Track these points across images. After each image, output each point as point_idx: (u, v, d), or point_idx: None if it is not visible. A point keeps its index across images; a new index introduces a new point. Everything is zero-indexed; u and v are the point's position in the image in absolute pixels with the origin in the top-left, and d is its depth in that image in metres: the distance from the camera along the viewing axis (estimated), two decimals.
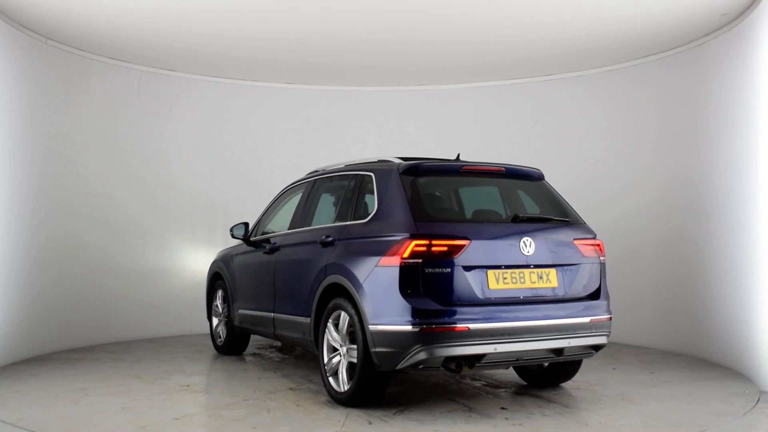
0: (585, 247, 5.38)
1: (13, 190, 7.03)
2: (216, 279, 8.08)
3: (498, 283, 4.94)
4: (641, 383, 6.15)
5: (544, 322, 5.01)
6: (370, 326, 4.90)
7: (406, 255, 4.78)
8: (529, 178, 5.78)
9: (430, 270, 4.78)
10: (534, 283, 5.08)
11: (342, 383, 5.26)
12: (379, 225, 5.17)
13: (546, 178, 5.89)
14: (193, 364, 7.11)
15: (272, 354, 7.84)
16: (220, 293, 7.93)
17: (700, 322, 7.42)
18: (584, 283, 5.31)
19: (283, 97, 9.84)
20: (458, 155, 5.98)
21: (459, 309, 4.79)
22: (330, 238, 5.62)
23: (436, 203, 5.50)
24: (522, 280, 5.04)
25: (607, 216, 8.54)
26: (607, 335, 5.35)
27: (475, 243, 4.91)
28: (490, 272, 4.93)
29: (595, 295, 5.35)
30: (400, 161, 5.47)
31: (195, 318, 9.11)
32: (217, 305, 7.99)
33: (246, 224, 7.32)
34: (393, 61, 8.82)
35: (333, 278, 5.38)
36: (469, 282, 4.84)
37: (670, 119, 8.08)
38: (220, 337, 7.89)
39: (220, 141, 9.63)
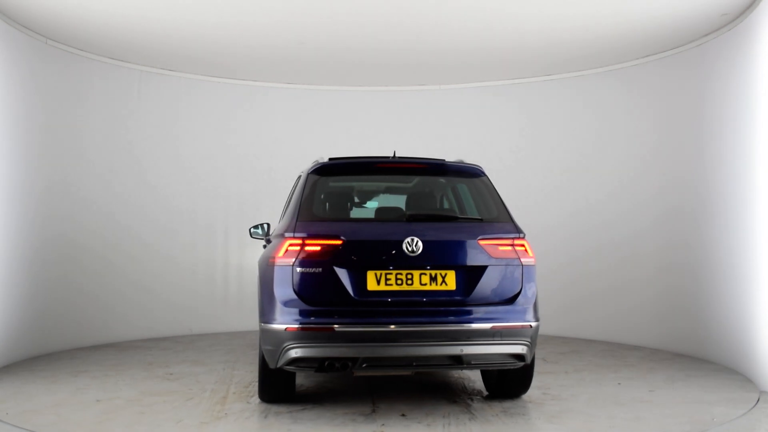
0: (495, 248, 4.94)
1: (13, 189, 7.13)
2: None
3: (379, 285, 4.77)
4: (611, 401, 5.46)
5: (429, 327, 4.72)
6: (260, 324, 5.03)
7: (281, 255, 4.83)
8: (463, 174, 5.45)
9: (302, 270, 4.77)
10: (425, 285, 4.80)
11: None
12: (280, 225, 5.28)
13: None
14: (218, 356, 7.62)
15: None
16: None
17: (705, 322, 7.27)
18: (494, 286, 4.89)
19: (284, 97, 9.92)
20: (394, 153, 5.81)
21: (328, 309, 4.72)
22: (270, 238, 5.81)
23: (330, 203, 5.43)
24: (410, 282, 4.79)
25: (606, 216, 8.82)
26: (527, 344, 4.86)
27: (351, 243, 4.80)
28: (370, 273, 4.77)
29: (511, 300, 4.91)
30: (324, 160, 5.48)
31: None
32: None
33: (267, 224, 7.67)
34: (393, 61, 8.71)
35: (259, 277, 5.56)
36: (343, 282, 4.73)
37: (670, 119, 8.03)
38: None
39: (220, 141, 9.76)
